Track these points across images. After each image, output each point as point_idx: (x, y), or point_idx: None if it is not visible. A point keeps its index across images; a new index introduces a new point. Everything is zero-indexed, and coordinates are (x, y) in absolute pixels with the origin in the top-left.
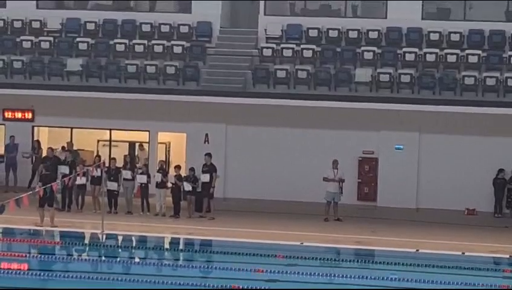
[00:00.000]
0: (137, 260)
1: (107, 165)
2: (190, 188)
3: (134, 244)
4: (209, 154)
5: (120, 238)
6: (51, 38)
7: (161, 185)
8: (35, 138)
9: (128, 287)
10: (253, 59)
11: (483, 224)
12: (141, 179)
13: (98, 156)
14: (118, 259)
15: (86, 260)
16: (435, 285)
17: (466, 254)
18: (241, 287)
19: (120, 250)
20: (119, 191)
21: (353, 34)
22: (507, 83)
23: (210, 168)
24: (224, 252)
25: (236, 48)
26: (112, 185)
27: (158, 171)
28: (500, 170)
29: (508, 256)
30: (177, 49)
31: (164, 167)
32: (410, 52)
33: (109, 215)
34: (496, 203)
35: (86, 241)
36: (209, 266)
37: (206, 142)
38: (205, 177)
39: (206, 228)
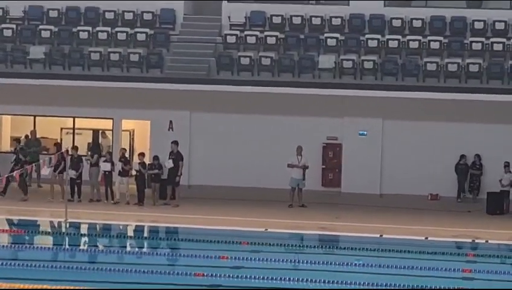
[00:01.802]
0: (101, 248)
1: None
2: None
3: (98, 233)
4: (175, 142)
5: (84, 226)
6: (14, 26)
7: (123, 173)
8: None
9: (93, 276)
10: (217, 46)
11: (446, 209)
12: (105, 167)
13: (57, 143)
14: (81, 247)
15: (47, 248)
16: (398, 270)
17: (429, 238)
18: (205, 274)
19: (83, 238)
20: (81, 179)
21: (316, 21)
22: (469, 68)
23: (176, 156)
24: (189, 239)
25: (200, 35)
26: (73, 174)
27: (120, 160)
28: (462, 156)
29: (470, 240)
30: (141, 37)
31: (125, 155)
32: (372, 39)
33: (73, 203)
34: (458, 189)
35: (49, 229)
36: (173, 254)
37: (170, 130)
38: (170, 165)
39: (170, 215)
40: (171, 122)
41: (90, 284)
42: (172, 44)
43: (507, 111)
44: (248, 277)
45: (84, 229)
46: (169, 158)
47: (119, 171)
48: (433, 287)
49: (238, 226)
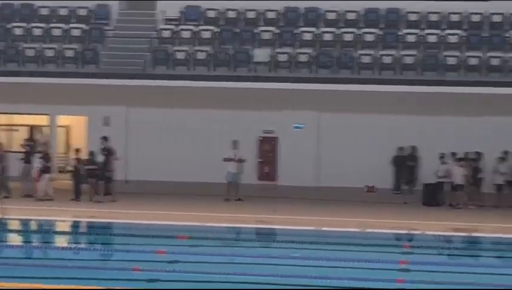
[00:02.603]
0: (36, 244)
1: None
2: None
3: (33, 229)
4: (104, 138)
5: (17, 222)
6: None
7: (45, 170)
8: None
9: (30, 272)
10: (152, 41)
11: (383, 201)
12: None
13: None
14: (16, 244)
15: None
16: (336, 262)
17: (366, 230)
18: (142, 268)
19: (17, 235)
20: (7, 175)
21: (251, 15)
22: (403, 60)
23: (108, 151)
24: (126, 234)
25: (135, 30)
26: None
27: (40, 158)
28: (399, 148)
29: (406, 232)
30: (76, 32)
31: (47, 153)
32: (307, 32)
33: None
34: (394, 180)
35: None
36: (110, 249)
37: (107, 125)
38: (101, 160)
39: (107, 210)
40: (107, 117)
41: (26, 281)
42: (107, 39)
43: (442, 103)
44: (185, 270)
45: (19, 225)
46: (101, 154)
47: (40, 169)
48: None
49: (175, 221)
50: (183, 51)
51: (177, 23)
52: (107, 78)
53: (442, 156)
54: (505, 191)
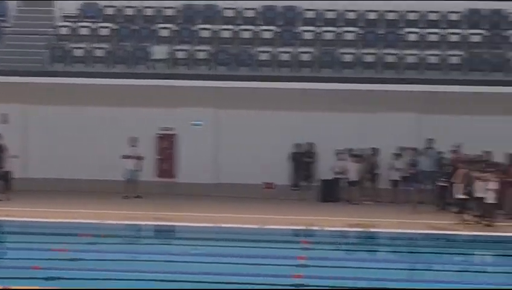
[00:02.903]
0: None
1: None
2: None
3: None
4: None
5: None
6: None
7: None
8: None
9: None
10: (50, 38)
11: (281, 197)
12: None
13: None
14: None
15: None
16: (234, 258)
17: (264, 227)
18: (42, 266)
19: None
20: None
21: (150, 12)
22: (300, 58)
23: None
24: (25, 232)
25: (32, 27)
26: None
27: None
28: (296, 144)
29: (304, 228)
30: None
31: None
32: (206, 29)
33: None
34: (292, 177)
35: None
36: (9, 247)
37: (6, 123)
38: None
39: (4, 208)
40: (6, 115)
41: None
42: (4, 36)
43: (339, 99)
44: (86, 268)
45: None
46: None
47: None
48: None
49: (75, 219)
50: (81, 48)
51: (75, 20)
52: (4, 75)
53: (338, 153)
54: (400, 186)
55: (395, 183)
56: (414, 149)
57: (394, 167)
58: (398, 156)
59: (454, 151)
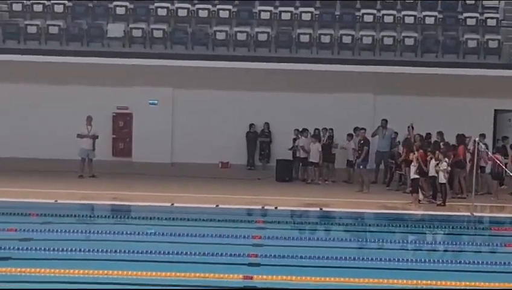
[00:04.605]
0: None
1: None
2: None
3: None
4: None
5: None
6: None
7: None
8: None
9: None
10: (2, 15)
11: (237, 177)
12: None
13: None
14: None
15: None
16: (190, 238)
17: (220, 206)
18: None
19: None
20: None
21: None
22: (257, 37)
23: None
24: None
25: None
26: None
27: None
28: (251, 124)
29: (260, 207)
30: None
31: None
32: (162, 7)
33: None
34: (248, 156)
35: None
36: None
37: None
38: None
39: None
40: None
41: None
42: None
43: (295, 80)
44: (38, 248)
45: None
46: None
47: None
48: None
49: (28, 198)
50: (35, 25)
51: None
52: None
53: (298, 133)
54: (354, 166)
55: (349, 163)
56: (365, 129)
57: (347, 147)
58: (350, 136)
59: (407, 132)
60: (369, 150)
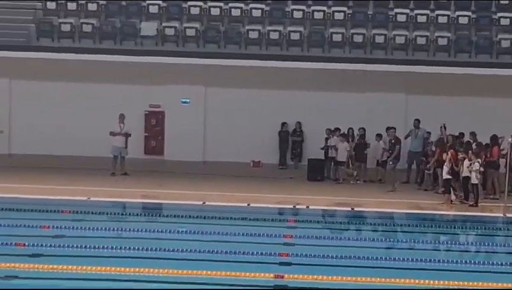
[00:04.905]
0: None
1: None
2: None
3: None
4: None
5: None
6: None
7: None
8: None
9: None
10: (36, 12)
11: (269, 176)
12: None
13: None
14: None
15: None
16: (221, 236)
17: (251, 205)
18: (26, 244)
19: None
20: None
21: None
22: (290, 36)
23: None
24: (8, 208)
25: (19, 0)
26: None
27: None
28: (284, 123)
29: (291, 206)
30: None
31: None
32: (195, 6)
33: None
34: (280, 156)
35: None
36: None
37: None
38: None
39: None
40: None
41: None
42: None
43: (327, 79)
44: (70, 245)
45: None
46: None
47: None
48: None
49: (61, 195)
50: (68, 23)
51: None
52: None
53: (330, 132)
54: (386, 166)
55: (379, 163)
56: (394, 128)
57: (377, 147)
58: (378, 136)
59: (440, 132)
60: (400, 149)
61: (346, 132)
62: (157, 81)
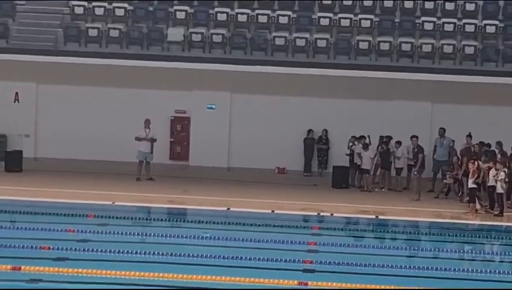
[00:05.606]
0: None
1: None
2: None
3: None
4: None
5: None
6: None
7: None
8: None
9: None
10: (64, 17)
11: (293, 183)
12: None
13: None
14: None
15: None
16: (245, 242)
17: (276, 212)
18: (51, 247)
19: None
20: None
21: None
22: (316, 44)
23: None
24: (34, 212)
25: (46, 5)
26: None
27: None
28: (310, 130)
29: (316, 213)
30: None
31: None
32: (222, 12)
33: None
34: (305, 163)
35: None
36: (18, 227)
37: (17, 101)
38: None
39: (14, 188)
40: (17, 93)
41: None
42: (18, 14)
43: (353, 87)
44: (95, 249)
45: None
46: None
47: None
48: None
49: (86, 200)
50: (95, 28)
51: None
52: (17, 53)
53: (355, 140)
54: (408, 175)
55: (399, 171)
56: (417, 137)
57: (396, 155)
58: (398, 143)
59: (466, 142)
60: (424, 157)
61: (367, 140)
62: (183, 86)
